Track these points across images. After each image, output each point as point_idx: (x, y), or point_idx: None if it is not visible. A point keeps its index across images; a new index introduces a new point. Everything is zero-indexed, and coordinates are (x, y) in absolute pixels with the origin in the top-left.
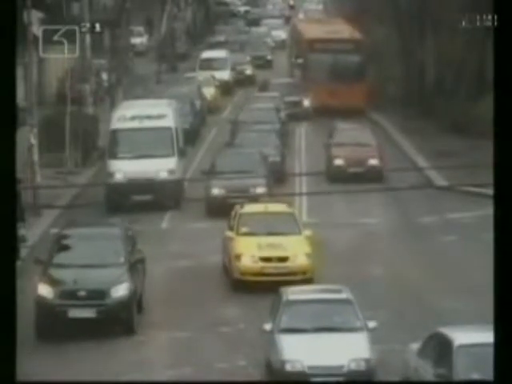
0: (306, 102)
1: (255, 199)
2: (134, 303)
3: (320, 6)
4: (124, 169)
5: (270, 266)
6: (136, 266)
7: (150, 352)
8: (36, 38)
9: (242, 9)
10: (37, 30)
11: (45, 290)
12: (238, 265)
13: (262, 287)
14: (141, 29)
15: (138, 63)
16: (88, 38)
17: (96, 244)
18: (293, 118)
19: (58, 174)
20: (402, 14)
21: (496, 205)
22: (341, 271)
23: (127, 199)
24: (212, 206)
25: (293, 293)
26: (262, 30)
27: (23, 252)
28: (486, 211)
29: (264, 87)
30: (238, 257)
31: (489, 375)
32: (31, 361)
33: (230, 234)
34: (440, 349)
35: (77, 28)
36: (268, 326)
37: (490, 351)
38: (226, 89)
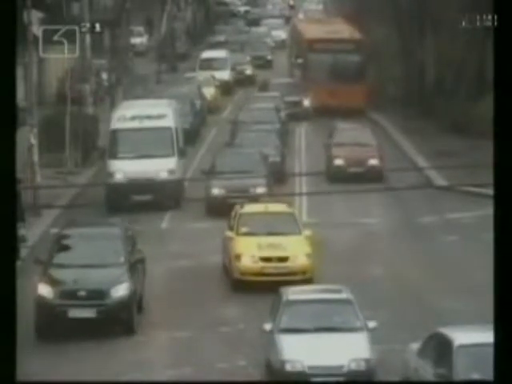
0: (306, 102)
1: (255, 199)
2: (134, 303)
3: (320, 6)
4: (124, 169)
5: (270, 266)
6: (136, 266)
7: (150, 352)
8: (36, 38)
9: (242, 9)
10: (37, 30)
11: (45, 290)
12: (238, 265)
13: (262, 287)
14: (141, 29)
15: (138, 63)
16: (88, 38)
17: (96, 244)
18: (293, 117)
19: (58, 174)
20: (402, 14)
21: (496, 205)
22: (341, 271)
23: (127, 199)
24: (212, 206)
25: (293, 293)
26: (262, 29)
27: (23, 252)
28: (486, 211)
29: (264, 87)
30: (238, 257)
31: (489, 375)
32: (31, 361)
33: (229, 233)
34: (440, 349)
35: (77, 28)
36: (268, 326)
37: (490, 351)
38: (225, 89)
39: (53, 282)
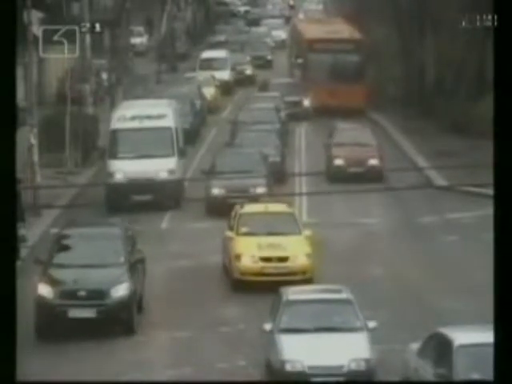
0: (306, 102)
1: (255, 199)
2: (134, 303)
3: (320, 6)
4: (124, 169)
5: (270, 266)
6: (136, 266)
7: (150, 352)
8: (36, 38)
9: (242, 9)
10: (37, 30)
11: (45, 290)
12: (238, 265)
13: (262, 287)
14: (141, 29)
15: (138, 63)
16: (88, 38)
17: (96, 244)
18: (293, 117)
19: (58, 174)
20: (402, 14)
21: (496, 205)
22: (341, 271)
23: (127, 199)
24: (212, 206)
25: (293, 293)
26: (261, 29)
27: (23, 252)
28: (486, 211)
29: (264, 87)
30: (238, 257)
31: (489, 375)
32: (31, 361)
33: (229, 233)
34: (440, 349)
35: (77, 28)
36: (268, 326)
37: (490, 351)
38: (226, 89)
39: (53, 282)
